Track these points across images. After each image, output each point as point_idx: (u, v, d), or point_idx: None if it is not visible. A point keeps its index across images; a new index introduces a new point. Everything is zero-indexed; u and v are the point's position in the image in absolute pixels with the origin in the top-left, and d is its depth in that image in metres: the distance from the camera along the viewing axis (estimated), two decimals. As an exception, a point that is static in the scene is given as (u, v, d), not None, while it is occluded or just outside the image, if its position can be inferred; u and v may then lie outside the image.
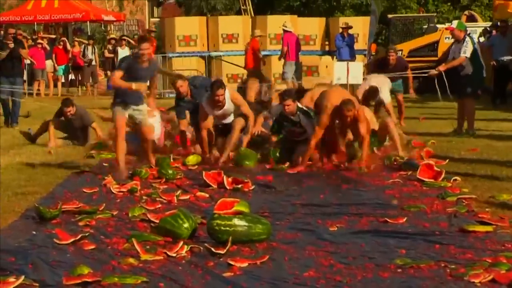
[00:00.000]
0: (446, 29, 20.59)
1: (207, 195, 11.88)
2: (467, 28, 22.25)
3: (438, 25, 38.33)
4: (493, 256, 8.28)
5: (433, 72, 19.09)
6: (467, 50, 17.86)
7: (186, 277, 7.91)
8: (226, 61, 35.72)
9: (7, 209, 11.13)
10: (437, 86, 20.82)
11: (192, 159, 16.48)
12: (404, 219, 9.57)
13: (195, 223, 9.59)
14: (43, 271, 8.10)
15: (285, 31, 30.15)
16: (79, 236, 9.41)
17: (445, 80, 19.50)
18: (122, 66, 15.04)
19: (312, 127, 14.79)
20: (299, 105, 15.63)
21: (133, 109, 15.27)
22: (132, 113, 15.12)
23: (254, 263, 8.27)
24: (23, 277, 7.70)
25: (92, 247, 9.09)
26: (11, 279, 7.70)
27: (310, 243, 8.96)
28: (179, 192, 12.33)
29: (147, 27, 55.95)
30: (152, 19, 61.04)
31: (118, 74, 14.79)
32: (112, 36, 43.10)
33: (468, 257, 8.26)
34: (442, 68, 18.45)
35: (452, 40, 19.81)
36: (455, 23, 22.22)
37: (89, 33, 44.69)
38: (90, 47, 38.87)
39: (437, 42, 33.81)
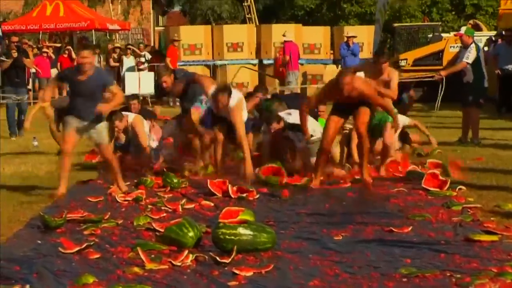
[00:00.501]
0: (455, 35, 20.55)
1: (212, 204, 11.91)
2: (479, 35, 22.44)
3: (442, 34, 38.30)
4: (499, 265, 8.28)
5: (438, 76, 18.95)
6: (469, 56, 17.91)
7: (191, 286, 7.95)
8: (254, 70, 35.68)
9: (12, 218, 11.19)
10: (439, 94, 20.64)
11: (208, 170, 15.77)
12: (409, 228, 9.57)
13: (200, 232, 9.60)
14: (48, 280, 8.13)
15: (285, 40, 30.12)
16: (84, 245, 9.42)
17: (442, 88, 19.38)
18: (58, 76, 13.63)
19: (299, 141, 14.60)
20: (287, 121, 15.25)
21: (84, 125, 13.28)
22: (84, 129, 13.13)
23: (259, 272, 8.26)
24: (28, 286, 7.76)
25: (97, 256, 9.09)
26: None
27: (315, 252, 8.95)
28: (184, 201, 12.38)
29: (154, 36, 56.01)
30: (157, 28, 61.00)
31: (50, 84, 13.42)
32: (117, 45, 43.05)
33: (473, 267, 8.24)
34: (443, 73, 18.42)
35: (457, 50, 19.81)
36: (463, 29, 22.32)
37: (94, 42, 44.68)
38: (95, 56, 38.79)
39: (442, 51, 33.74)
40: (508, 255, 8.71)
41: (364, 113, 12.19)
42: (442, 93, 19.88)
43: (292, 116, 15.06)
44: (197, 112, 15.53)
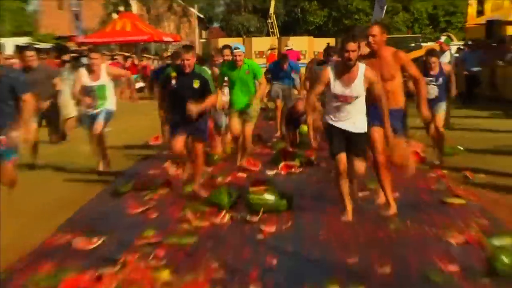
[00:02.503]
0: (436, 42, 20.62)
1: (244, 175, 11.83)
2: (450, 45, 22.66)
3: (422, 44, 38.27)
4: (466, 222, 8.37)
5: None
6: (445, 59, 17.87)
7: (227, 238, 8.07)
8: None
9: (90, 187, 11.23)
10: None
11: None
12: (396, 194, 9.53)
13: (235, 197, 9.66)
14: (119, 233, 8.29)
15: (287, 49, 30.06)
16: (146, 207, 9.59)
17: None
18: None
19: None
20: None
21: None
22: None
23: (280, 228, 8.41)
24: (103, 238, 7.95)
25: (156, 215, 9.24)
26: (95, 239, 7.90)
27: (325, 213, 8.89)
28: (223, 174, 12.14)
29: (198, 46, 55.81)
30: (200, 40, 61.13)
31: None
32: (169, 53, 43.34)
33: (447, 223, 8.32)
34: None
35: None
36: (443, 38, 22.40)
37: (153, 51, 44.75)
38: (155, 61, 38.93)
39: (422, 57, 33.61)
40: (473, 214, 8.78)
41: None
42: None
43: None
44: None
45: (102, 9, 52.73)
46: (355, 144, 7.98)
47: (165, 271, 6.66)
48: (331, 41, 41.29)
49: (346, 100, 7.76)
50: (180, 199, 10.08)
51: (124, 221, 9.09)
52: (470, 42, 28.88)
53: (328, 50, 13.06)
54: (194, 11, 61.84)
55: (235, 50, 11.80)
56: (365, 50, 8.36)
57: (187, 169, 10.79)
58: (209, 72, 11.94)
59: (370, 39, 8.47)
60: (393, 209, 8.26)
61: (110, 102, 11.10)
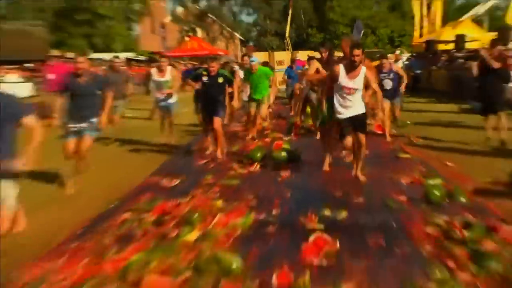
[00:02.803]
0: (393, 54, 20.23)
1: (269, 140, 11.55)
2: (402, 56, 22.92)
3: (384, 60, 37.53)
4: (411, 169, 8.43)
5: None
6: (399, 65, 17.75)
7: (258, 180, 8.10)
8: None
9: (169, 149, 11.21)
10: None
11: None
12: (367, 151, 9.39)
13: (263, 154, 9.55)
14: (190, 177, 8.33)
15: (295, 59, 29.16)
16: (204, 161, 9.67)
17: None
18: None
19: None
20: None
21: None
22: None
23: (292, 174, 8.42)
24: (180, 179, 8.08)
25: (213, 165, 9.31)
26: (174, 180, 8.06)
27: (322, 164, 8.66)
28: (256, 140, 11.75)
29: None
30: (241, 53, 60.52)
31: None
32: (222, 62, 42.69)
33: (399, 170, 8.37)
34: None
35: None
36: (398, 51, 22.49)
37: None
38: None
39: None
40: (416, 164, 8.79)
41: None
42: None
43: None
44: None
45: (179, 34, 52.79)
46: (358, 123, 7.44)
47: (219, 201, 6.75)
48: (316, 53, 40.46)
49: (350, 91, 7.31)
50: (228, 156, 10.05)
51: (193, 169, 9.09)
52: (415, 54, 29.22)
53: (309, 58, 11.96)
54: (237, 35, 61.71)
55: (251, 62, 11.51)
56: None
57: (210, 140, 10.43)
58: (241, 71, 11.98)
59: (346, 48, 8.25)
60: (362, 179, 7.73)
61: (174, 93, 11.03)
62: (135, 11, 53.45)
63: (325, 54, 8.26)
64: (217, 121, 9.70)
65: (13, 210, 4.79)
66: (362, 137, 7.34)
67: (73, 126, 7.26)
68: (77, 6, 44.93)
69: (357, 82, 7.16)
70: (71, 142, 7.31)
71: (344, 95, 7.27)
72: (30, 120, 4.69)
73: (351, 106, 7.37)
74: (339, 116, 7.40)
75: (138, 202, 6.86)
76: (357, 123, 7.39)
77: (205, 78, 9.56)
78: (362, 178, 7.63)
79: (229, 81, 9.73)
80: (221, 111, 9.78)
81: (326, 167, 8.48)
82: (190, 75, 10.46)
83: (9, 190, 4.69)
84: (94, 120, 7.36)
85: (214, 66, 9.43)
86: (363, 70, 7.17)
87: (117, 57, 14.99)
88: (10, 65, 29.08)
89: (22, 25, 40.72)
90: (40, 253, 5.14)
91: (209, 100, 9.53)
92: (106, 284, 4.29)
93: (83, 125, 7.36)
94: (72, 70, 7.58)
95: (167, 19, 59.23)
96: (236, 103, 11.56)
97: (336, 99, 7.44)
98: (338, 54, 9.76)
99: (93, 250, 5.13)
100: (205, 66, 9.82)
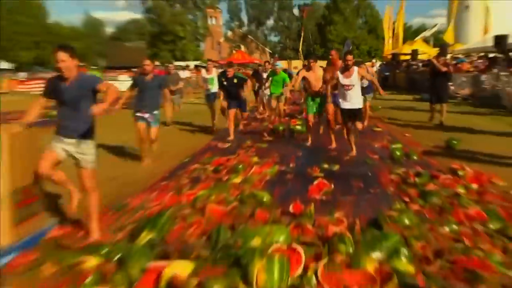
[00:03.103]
0: (371, 62, 19.91)
1: (287, 119, 11.00)
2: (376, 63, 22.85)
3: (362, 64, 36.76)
4: (382, 138, 8.36)
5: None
6: (374, 69, 17.49)
7: (281, 144, 8.02)
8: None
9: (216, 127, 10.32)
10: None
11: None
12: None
13: (284, 127, 9.42)
14: (236, 141, 8.22)
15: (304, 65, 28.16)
16: (247, 129, 9.50)
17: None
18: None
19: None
20: None
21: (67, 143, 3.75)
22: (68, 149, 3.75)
23: (305, 140, 8.13)
24: (229, 143, 8.05)
25: (250, 135, 9.15)
26: (225, 143, 8.04)
27: (327, 135, 8.13)
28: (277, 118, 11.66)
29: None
30: (271, 62, 60.05)
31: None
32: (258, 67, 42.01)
33: (374, 138, 8.25)
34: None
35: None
36: (374, 60, 22.48)
37: (250, 67, 43.72)
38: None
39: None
40: (385, 135, 8.73)
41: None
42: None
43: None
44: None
45: (229, 49, 53.02)
46: (356, 114, 6.77)
47: (254, 157, 6.71)
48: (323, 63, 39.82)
49: (348, 87, 6.65)
50: (261, 129, 9.85)
51: (237, 135, 8.86)
52: (384, 62, 28.82)
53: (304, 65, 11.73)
54: (267, 49, 61.35)
55: (276, 66, 10.63)
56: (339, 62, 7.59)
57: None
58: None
59: (334, 56, 7.89)
60: (353, 152, 7.05)
61: (215, 87, 10.52)
62: (201, 34, 54.39)
63: (312, 63, 7.98)
64: (232, 112, 8.82)
65: (93, 166, 3.78)
66: (357, 124, 6.82)
67: (140, 115, 6.51)
68: (165, 31, 48.34)
69: (352, 80, 6.65)
70: (141, 124, 6.51)
71: (344, 91, 6.73)
72: (103, 84, 3.62)
73: (350, 100, 6.77)
74: (342, 106, 6.82)
75: (202, 158, 6.84)
76: (355, 114, 6.83)
77: (225, 83, 8.79)
78: (353, 151, 7.00)
79: (243, 80, 8.84)
80: (238, 103, 8.84)
81: (333, 144, 7.72)
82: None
83: (89, 149, 3.74)
84: (156, 112, 6.57)
85: (230, 71, 8.73)
86: (355, 69, 6.67)
87: (188, 65, 14.71)
88: (122, 69, 32.66)
89: (132, 44, 43.63)
90: (141, 189, 5.20)
91: (229, 95, 8.77)
92: (182, 210, 4.26)
93: (148, 115, 6.53)
94: (161, 73, 7.16)
95: (222, 39, 59.88)
96: (247, 92, 10.89)
97: (340, 94, 6.91)
98: (322, 62, 9.52)
99: (174, 188, 5.16)
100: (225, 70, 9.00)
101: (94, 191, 3.81)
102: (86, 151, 3.75)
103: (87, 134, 3.75)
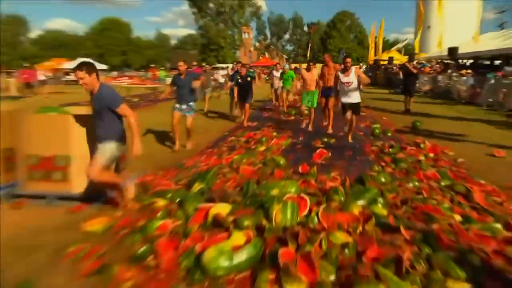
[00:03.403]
0: (359, 66, 19.29)
1: (297, 104, 10.09)
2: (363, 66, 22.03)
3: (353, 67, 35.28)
4: (366, 120, 8.02)
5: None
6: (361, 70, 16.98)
7: (293, 124, 7.77)
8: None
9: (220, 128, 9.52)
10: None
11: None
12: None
13: (296, 112, 8.98)
14: (259, 123, 7.92)
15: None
16: (267, 114, 9.18)
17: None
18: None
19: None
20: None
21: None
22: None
23: (309, 121, 7.40)
24: (256, 123, 7.67)
25: (269, 119, 8.79)
26: (250, 123, 7.69)
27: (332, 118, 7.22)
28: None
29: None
30: (287, 66, 58.32)
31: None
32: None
33: (360, 120, 7.71)
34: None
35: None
36: (362, 64, 21.60)
37: (271, 68, 41.82)
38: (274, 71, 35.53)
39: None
40: (368, 118, 8.42)
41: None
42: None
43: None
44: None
45: (257, 56, 52.53)
46: (354, 108, 5.96)
47: (274, 132, 6.52)
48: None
49: (348, 84, 5.91)
50: (279, 113, 9.46)
51: (261, 118, 8.64)
52: (368, 66, 28.12)
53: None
54: (284, 56, 60.24)
55: (284, 67, 9.95)
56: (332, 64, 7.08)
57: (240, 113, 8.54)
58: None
59: (327, 59, 7.22)
60: (330, 130, 6.64)
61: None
62: (237, 44, 53.89)
63: (312, 65, 7.61)
64: (247, 105, 7.93)
65: (102, 163, 3.02)
66: (355, 117, 6.08)
67: (178, 105, 5.73)
68: (211, 42, 48.76)
69: (350, 78, 5.94)
70: (176, 113, 5.69)
71: (344, 87, 6.03)
72: (121, 109, 3.00)
73: (349, 95, 6.03)
74: (343, 101, 6.08)
75: (236, 133, 6.70)
76: (353, 108, 6.06)
77: (239, 78, 7.84)
78: (350, 139, 6.13)
79: (253, 77, 7.95)
80: (249, 98, 7.90)
81: (330, 129, 6.95)
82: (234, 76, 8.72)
83: (103, 149, 3.03)
84: (192, 103, 5.72)
85: (243, 70, 7.83)
86: (353, 70, 5.98)
87: (228, 66, 14.32)
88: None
89: (188, 51, 44.72)
90: (193, 154, 5.15)
91: (242, 90, 7.83)
92: (223, 168, 4.16)
93: (185, 106, 5.68)
94: (197, 70, 6.46)
95: (252, 48, 58.97)
96: (259, 84, 9.69)
97: (341, 91, 6.17)
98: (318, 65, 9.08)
99: (217, 153, 5.08)
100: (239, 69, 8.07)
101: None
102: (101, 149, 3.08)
103: (107, 137, 3.08)
